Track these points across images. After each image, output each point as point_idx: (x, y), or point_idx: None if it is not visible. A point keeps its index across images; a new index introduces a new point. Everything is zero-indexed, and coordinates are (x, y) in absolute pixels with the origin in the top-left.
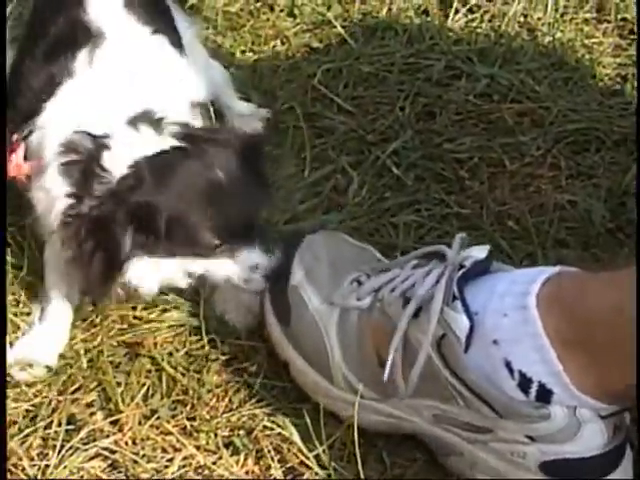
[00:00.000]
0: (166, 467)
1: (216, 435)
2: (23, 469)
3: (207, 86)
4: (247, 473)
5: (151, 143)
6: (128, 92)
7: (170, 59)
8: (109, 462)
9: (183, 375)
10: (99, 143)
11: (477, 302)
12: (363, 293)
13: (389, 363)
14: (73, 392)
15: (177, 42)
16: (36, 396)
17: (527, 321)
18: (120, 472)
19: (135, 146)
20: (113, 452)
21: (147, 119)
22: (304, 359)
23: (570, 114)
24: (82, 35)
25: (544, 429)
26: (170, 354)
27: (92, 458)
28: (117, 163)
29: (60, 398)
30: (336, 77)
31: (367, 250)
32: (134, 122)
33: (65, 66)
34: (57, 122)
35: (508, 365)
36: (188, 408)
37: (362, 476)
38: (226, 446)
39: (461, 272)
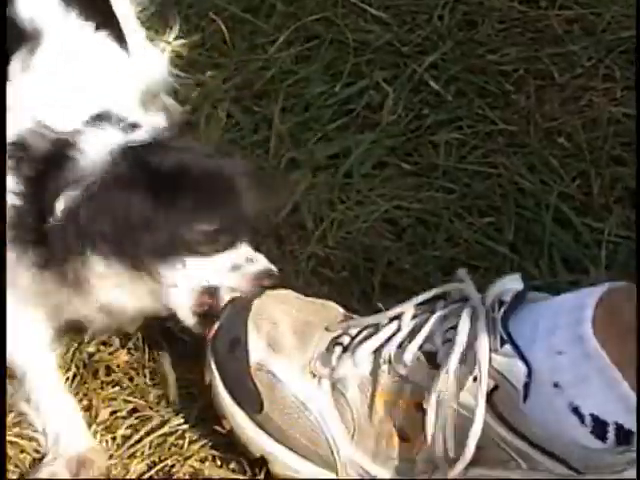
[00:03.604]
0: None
1: None
2: None
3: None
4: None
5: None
6: (79, 93)
7: (113, 55)
8: None
9: None
10: (63, 139)
11: (522, 342)
12: (359, 357)
13: (430, 435)
14: None
15: (117, 34)
16: None
17: (589, 355)
18: None
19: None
20: None
21: (108, 119)
22: (292, 451)
23: (624, 20)
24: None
25: (631, 476)
26: None
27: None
28: (91, 154)
29: None
30: None
31: (328, 306)
32: (95, 122)
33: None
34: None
35: (576, 410)
36: None
37: None
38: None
39: (503, 309)
